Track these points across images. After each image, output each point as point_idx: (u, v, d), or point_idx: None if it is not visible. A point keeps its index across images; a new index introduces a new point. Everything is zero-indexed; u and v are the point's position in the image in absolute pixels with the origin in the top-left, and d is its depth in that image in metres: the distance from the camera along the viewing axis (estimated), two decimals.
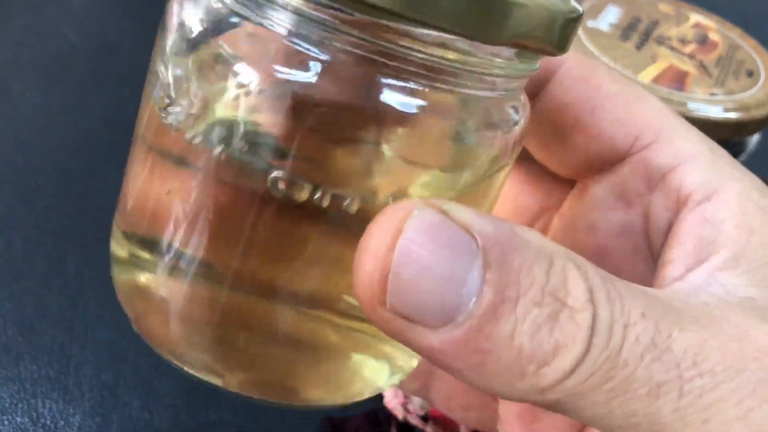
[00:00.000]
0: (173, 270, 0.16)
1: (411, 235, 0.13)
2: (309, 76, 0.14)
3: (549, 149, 0.20)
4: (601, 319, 0.14)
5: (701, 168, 0.18)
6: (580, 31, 0.36)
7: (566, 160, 0.20)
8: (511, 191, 0.22)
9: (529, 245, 0.14)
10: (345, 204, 0.15)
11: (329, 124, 0.14)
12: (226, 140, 0.15)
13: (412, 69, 0.14)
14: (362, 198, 0.15)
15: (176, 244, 0.16)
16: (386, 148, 0.15)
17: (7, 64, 0.45)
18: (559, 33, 0.15)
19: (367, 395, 0.18)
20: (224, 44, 0.15)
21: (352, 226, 0.15)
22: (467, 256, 0.13)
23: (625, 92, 0.19)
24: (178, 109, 0.15)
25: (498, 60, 0.15)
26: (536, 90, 0.20)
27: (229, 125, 0.15)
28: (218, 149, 0.15)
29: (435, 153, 0.16)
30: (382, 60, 0.14)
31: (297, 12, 0.14)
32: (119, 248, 0.18)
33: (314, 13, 0.14)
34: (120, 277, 0.18)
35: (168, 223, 0.16)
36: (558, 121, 0.20)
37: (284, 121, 0.14)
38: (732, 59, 0.37)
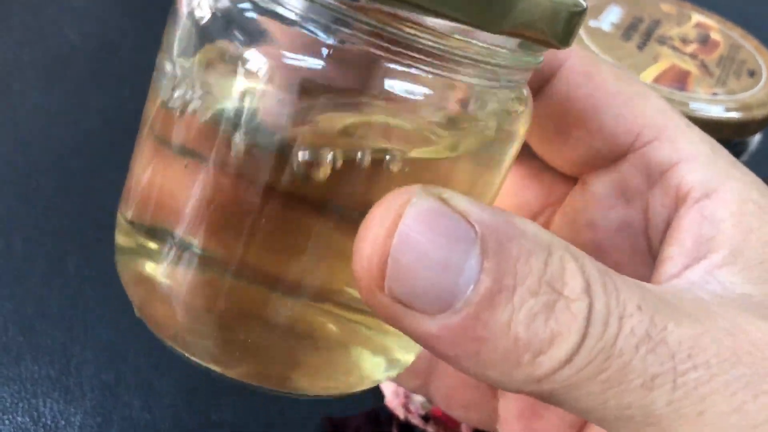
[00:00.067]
0: (179, 257, 0.16)
1: (410, 221, 0.14)
2: (316, 62, 0.14)
3: (551, 145, 0.20)
4: (596, 310, 0.14)
5: (701, 166, 0.18)
6: (581, 31, 0.36)
7: (567, 155, 0.20)
8: (513, 186, 0.22)
9: (526, 235, 0.14)
10: (359, 158, 0.15)
11: (336, 108, 0.15)
12: (234, 127, 0.15)
13: (417, 55, 0.14)
14: (374, 152, 0.15)
15: (181, 233, 0.16)
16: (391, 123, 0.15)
17: (7, 64, 0.45)
18: (563, 26, 0.15)
19: (364, 387, 0.18)
20: (234, 31, 0.15)
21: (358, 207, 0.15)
22: (465, 244, 0.13)
23: (627, 89, 0.19)
24: (187, 95, 0.15)
25: (502, 51, 0.15)
26: (540, 85, 0.20)
27: (237, 112, 0.15)
28: (226, 136, 0.15)
29: (436, 141, 0.16)
30: (387, 45, 0.14)
31: None
32: (124, 237, 0.18)
33: None
34: (124, 264, 0.18)
35: (174, 211, 0.16)
36: (560, 116, 0.20)
37: (293, 106, 0.14)
38: (734, 59, 0.37)
